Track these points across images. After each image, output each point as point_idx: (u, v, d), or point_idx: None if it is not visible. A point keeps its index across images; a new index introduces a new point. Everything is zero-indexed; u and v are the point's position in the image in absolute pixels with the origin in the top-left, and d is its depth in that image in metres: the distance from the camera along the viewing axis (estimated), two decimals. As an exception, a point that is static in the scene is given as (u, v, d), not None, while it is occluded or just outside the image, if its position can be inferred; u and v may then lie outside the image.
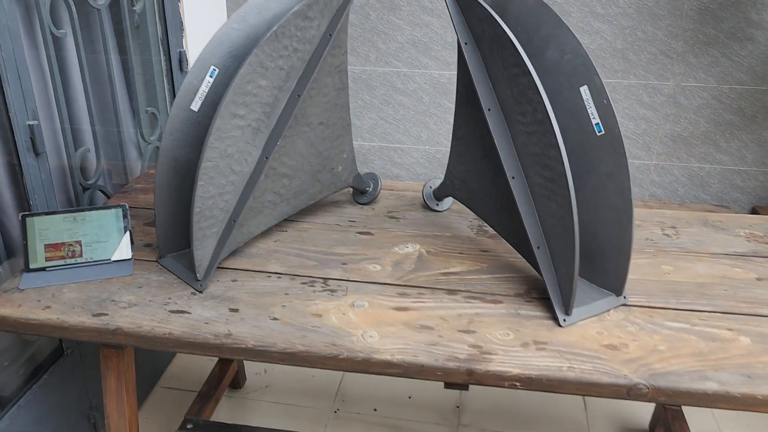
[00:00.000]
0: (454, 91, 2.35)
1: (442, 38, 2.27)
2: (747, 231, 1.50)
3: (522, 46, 1.24)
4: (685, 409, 1.89)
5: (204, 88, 1.25)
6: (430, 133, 2.42)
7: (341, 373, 2.13)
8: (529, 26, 1.24)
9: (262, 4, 1.29)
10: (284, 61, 1.23)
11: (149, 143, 1.93)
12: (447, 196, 1.53)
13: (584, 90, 1.17)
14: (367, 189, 1.59)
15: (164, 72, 2.00)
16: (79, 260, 1.29)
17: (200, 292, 1.23)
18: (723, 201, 2.35)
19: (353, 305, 1.20)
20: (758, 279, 1.31)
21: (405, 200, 1.63)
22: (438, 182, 1.57)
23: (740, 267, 1.35)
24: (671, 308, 1.21)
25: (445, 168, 2.48)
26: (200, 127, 1.27)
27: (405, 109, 2.39)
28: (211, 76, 1.25)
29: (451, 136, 2.42)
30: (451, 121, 2.39)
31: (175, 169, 1.26)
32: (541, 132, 1.12)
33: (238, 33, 1.27)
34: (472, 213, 1.56)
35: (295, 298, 1.22)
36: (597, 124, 1.16)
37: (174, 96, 2.03)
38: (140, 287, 1.24)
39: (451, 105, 2.37)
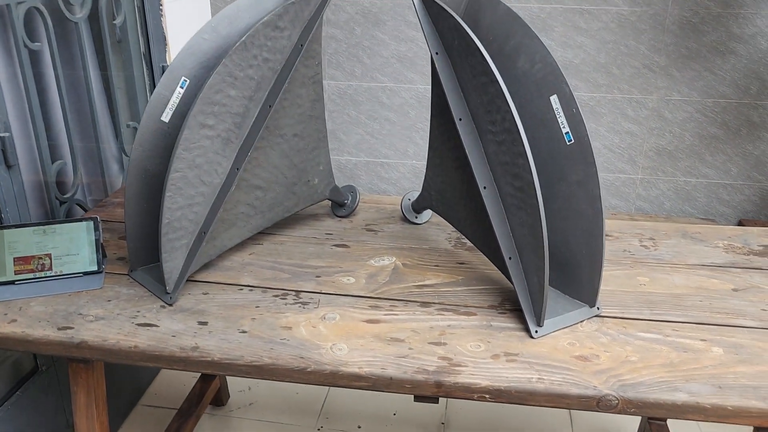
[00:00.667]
0: (439, 106, 2.35)
1: (427, 53, 2.28)
2: (726, 242, 1.49)
3: (493, 56, 1.24)
4: (672, 423, 1.87)
5: (174, 99, 1.25)
6: (416, 147, 2.41)
7: (326, 389, 2.10)
8: (500, 36, 1.24)
9: (234, 14, 1.29)
10: (254, 71, 1.23)
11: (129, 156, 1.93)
12: (425, 208, 1.52)
13: (554, 99, 1.17)
14: (346, 201, 1.58)
15: (147, 86, 2.00)
16: (48, 273, 1.28)
17: (170, 305, 1.21)
18: (709, 215, 2.34)
19: (324, 318, 1.19)
20: (734, 290, 1.29)
21: (384, 213, 1.63)
22: (416, 194, 1.56)
23: (717, 278, 1.34)
24: (645, 319, 1.19)
25: (432, 183, 2.48)
26: (170, 138, 1.26)
27: (391, 124, 2.39)
28: (181, 87, 1.25)
29: (436, 150, 2.42)
30: (436, 135, 2.39)
31: (145, 180, 1.26)
32: (509, 141, 1.11)
33: (209, 43, 1.27)
34: (450, 226, 1.55)
35: (265, 311, 1.20)
36: (567, 133, 1.16)
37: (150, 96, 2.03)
38: (109, 300, 1.23)
39: (436, 119, 2.37)
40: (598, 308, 1.21)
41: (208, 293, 1.26)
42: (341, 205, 1.59)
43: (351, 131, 2.42)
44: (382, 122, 2.40)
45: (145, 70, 1.97)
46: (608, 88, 2.21)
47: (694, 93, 2.19)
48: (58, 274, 1.28)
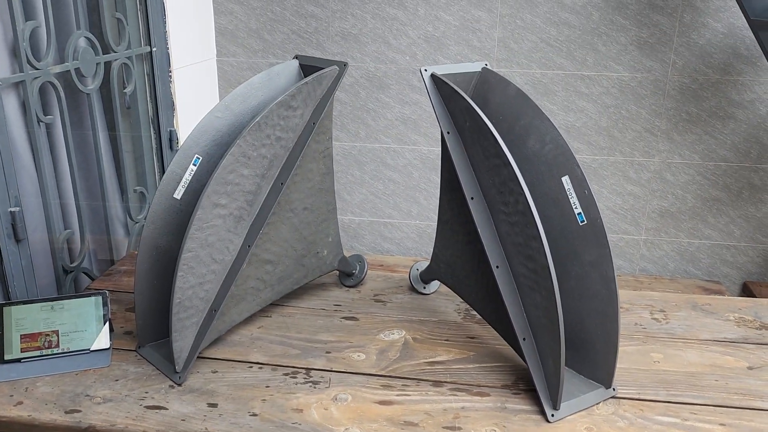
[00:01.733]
0: (443, 167, 2.37)
1: (430, 115, 2.31)
2: (736, 315, 1.48)
3: (503, 135, 1.25)
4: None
5: (187, 177, 1.25)
6: (420, 207, 2.42)
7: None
8: (510, 116, 1.25)
9: (247, 92, 1.31)
10: (267, 150, 1.24)
11: (137, 222, 1.93)
12: (433, 279, 1.51)
13: (566, 180, 1.18)
14: (354, 272, 1.58)
15: (154, 150, 2.01)
16: (55, 350, 1.26)
17: (179, 384, 1.19)
18: (713, 276, 2.34)
19: (336, 399, 1.17)
20: (749, 368, 1.28)
21: (392, 282, 1.62)
22: (425, 265, 1.56)
23: (731, 355, 1.32)
24: (662, 401, 1.18)
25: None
26: (182, 214, 1.26)
27: (395, 185, 2.41)
28: (194, 165, 1.26)
29: (440, 210, 2.43)
30: (440, 196, 2.40)
31: (156, 257, 1.25)
32: (523, 223, 1.11)
33: (221, 121, 1.28)
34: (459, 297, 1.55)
35: (276, 391, 1.19)
36: (579, 213, 1.16)
37: (163, 175, 2.04)
38: (117, 380, 1.21)
39: (440, 180, 2.38)
40: (614, 389, 1.19)
41: (217, 371, 1.24)
42: (349, 275, 1.58)
43: (355, 191, 2.43)
44: (386, 182, 2.41)
45: (152, 134, 1.99)
46: (610, 150, 2.23)
47: (695, 156, 2.21)
48: (65, 351, 1.26)
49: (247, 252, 1.25)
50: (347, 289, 1.58)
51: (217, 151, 1.28)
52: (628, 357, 1.31)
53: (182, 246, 1.14)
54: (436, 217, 2.43)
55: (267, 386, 1.20)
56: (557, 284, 1.07)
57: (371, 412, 1.14)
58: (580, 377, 1.21)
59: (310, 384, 1.21)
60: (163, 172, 2.01)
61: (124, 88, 1.84)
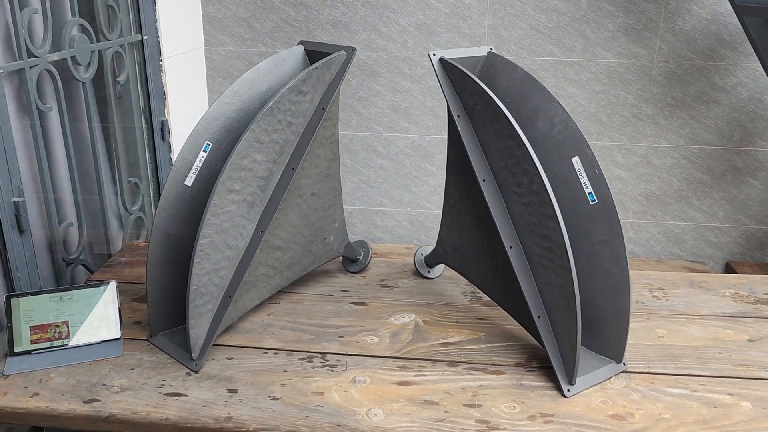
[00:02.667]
0: (435, 154, 2.38)
1: (421, 103, 2.32)
2: (732, 291, 1.53)
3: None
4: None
5: (198, 163, 1.24)
6: (411, 195, 2.44)
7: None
8: (518, 99, 1.27)
9: (254, 78, 1.30)
10: (278, 135, 1.24)
11: (131, 213, 1.90)
12: (439, 263, 1.53)
13: (576, 160, 1.20)
14: (358, 257, 1.58)
15: (146, 141, 1.98)
16: (66, 342, 1.24)
17: (196, 372, 1.19)
18: (698, 257, 2.41)
19: (354, 381, 1.18)
20: (749, 340, 1.33)
21: (396, 268, 1.63)
22: (429, 249, 1.57)
23: (731, 329, 1.37)
24: (670, 374, 1.21)
25: (428, 230, 2.50)
26: (194, 201, 1.26)
27: (386, 173, 2.42)
28: (204, 151, 1.25)
29: (433, 198, 2.45)
30: (433, 183, 2.42)
31: (168, 245, 1.24)
32: (537, 203, 1.13)
33: (231, 107, 1.27)
34: (464, 279, 1.57)
35: (294, 376, 1.19)
36: (590, 193, 1.19)
37: (156, 165, 2.02)
38: (132, 369, 1.20)
39: (432, 167, 2.40)
40: (624, 364, 1.22)
41: (232, 358, 1.24)
42: (353, 260, 1.59)
43: (346, 180, 2.43)
44: (377, 171, 2.42)
45: (144, 125, 1.96)
46: (598, 135, 2.27)
47: (680, 140, 2.27)
48: (76, 342, 1.25)
49: (260, 238, 1.25)
50: (352, 275, 1.59)
51: (226, 138, 1.27)
52: (633, 333, 1.34)
53: (199, 232, 1.14)
54: (428, 205, 2.45)
55: (284, 371, 1.20)
56: (573, 261, 1.09)
57: (391, 393, 1.15)
58: (592, 353, 1.24)
59: (327, 368, 1.22)
60: (156, 162, 1.99)
61: (117, 77, 1.82)
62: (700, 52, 2.16)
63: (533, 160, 1.11)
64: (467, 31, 2.22)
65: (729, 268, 2.37)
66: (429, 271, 1.58)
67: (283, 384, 1.17)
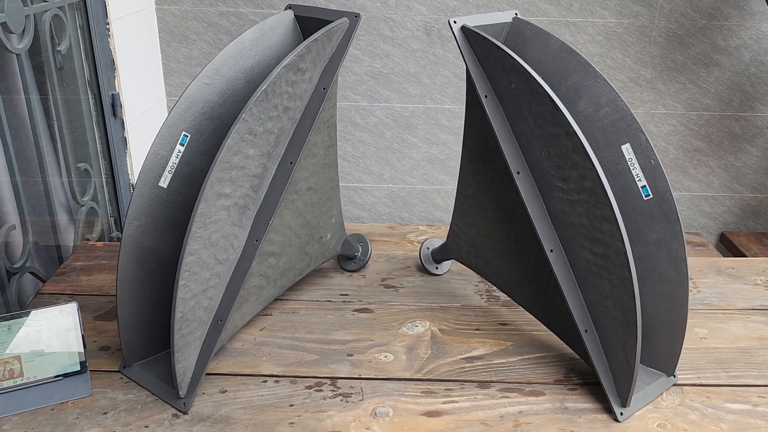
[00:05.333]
0: (418, 125, 2.18)
1: (403, 69, 2.10)
2: (763, 278, 1.41)
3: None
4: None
5: (174, 160, 1.02)
6: (393, 170, 2.24)
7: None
8: (554, 75, 1.09)
9: (238, 52, 1.07)
10: (274, 123, 1.02)
11: (82, 205, 1.65)
12: (450, 259, 1.35)
13: (626, 148, 1.03)
14: (356, 254, 1.39)
15: (94, 118, 1.72)
16: (19, 381, 1.02)
17: (185, 413, 0.99)
18: (692, 228, 2.31)
19: (375, 414, 1.00)
20: (798, 338, 1.21)
21: (397, 263, 1.45)
22: (436, 243, 1.40)
23: (774, 324, 1.25)
24: (725, 384, 1.09)
25: (410, 207, 2.32)
26: (171, 206, 1.03)
27: (365, 146, 2.21)
28: (181, 144, 1.02)
29: (415, 173, 2.26)
30: (416, 156, 2.23)
31: (142, 261, 1.02)
32: (590, 202, 0.96)
33: (211, 89, 1.04)
34: (476, 275, 1.40)
35: (303, 411, 1.00)
36: (644, 187, 1.02)
37: (107, 145, 1.75)
38: (105, 413, 0.99)
39: (415, 140, 2.20)
40: (674, 376, 1.09)
41: (226, 391, 1.04)
42: (350, 258, 1.40)
43: (320, 154, 2.21)
44: (355, 144, 2.21)
45: (91, 99, 1.69)
46: (593, 102, 2.11)
47: (678, 106, 2.13)
48: (32, 380, 1.03)
49: (255, 248, 1.04)
50: (349, 274, 1.40)
51: (207, 126, 1.04)
52: (675, 336, 1.21)
53: (184, 248, 0.92)
54: (411, 180, 2.26)
55: (291, 405, 1.02)
56: (635, 271, 0.93)
57: (421, 428, 0.98)
58: (641, 366, 1.09)
59: (341, 397, 1.04)
60: (108, 143, 1.73)
61: (57, 46, 1.54)
62: (702, 11, 2.01)
63: (587, 152, 0.93)
64: (453, -12, 2.01)
65: (724, 238, 2.29)
66: (436, 267, 1.40)
67: (292, 423, 0.98)
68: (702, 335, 1.22)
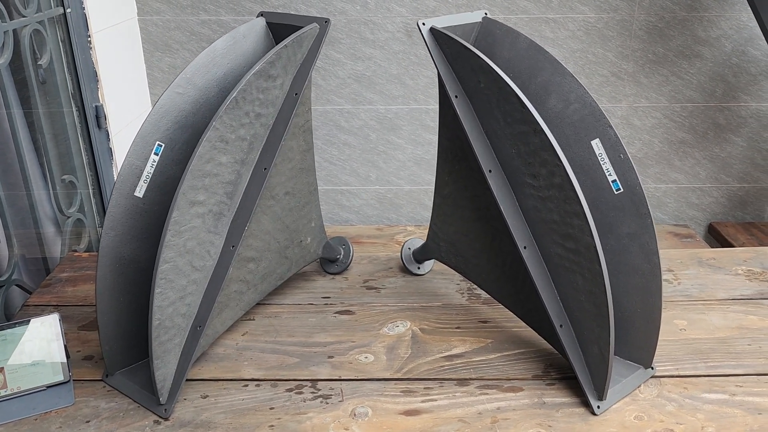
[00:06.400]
0: (403, 126, 2.20)
1: (386, 71, 2.11)
2: (744, 268, 1.42)
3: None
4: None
5: (149, 169, 1.03)
6: (379, 172, 2.25)
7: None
8: (524, 73, 1.10)
9: (210, 61, 1.08)
10: (246, 130, 1.03)
11: (68, 216, 1.66)
12: (431, 258, 1.36)
13: (596, 144, 1.04)
14: (338, 257, 1.40)
15: (79, 130, 1.73)
16: (2, 393, 1.03)
17: (166, 419, 1.00)
18: (680, 220, 2.32)
19: (354, 415, 1.01)
20: (776, 326, 1.22)
21: (380, 264, 1.46)
22: (418, 243, 1.41)
23: (753, 314, 1.26)
24: (702, 375, 1.10)
25: (398, 208, 2.33)
26: (148, 216, 1.05)
27: (350, 149, 2.22)
28: (156, 154, 1.04)
29: (402, 174, 2.27)
30: (401, 158, 2.24)
31: (120, 270, 1.03)
32: (560, 198, 0.97)
33: (184, 98, 1.06)
34: (457, 274, 1.40)
35: (283, 413, 1.02)
36: (614, 181, 1.03)
37: (92, 157, 1.77)
38: (88, 421, 1.00)
39: (400, 141, 2.21)
40: (652, 368, 1.10)
41: (207, 396, 1.05)
42: (333, 261, 1.41)
43: (307, 158, 2.22)
44: (340, 147, 2.22)
45: (75, 112, 1.70)
46: (576, 98, 2.12)
47: (662, 98, 2.14)
48: (16, 391, 1.04)
49: (231, 254, 1.05)
50: (332, 276, 1.41)
51: (181, 135, 1.05)
52: (654, 328, 1.22)
53: (158, 257, 0.93)
54: (398, 181, 2.27)
55: (271, 407, 1.03)
56: (606, 265, 0.94)
57: (399, 427, 0.99)
58: (618, 359, 1.10)
59: (321, 399, 1.05)
60: (92, 154, 1.74)
61: (38, 60, 1.55)
62: (682, 2, 2.02)
63: (554, 149, 0.95)
64: (433, -11, 2.02)
65: (712, 229, 2.29)
66: (418, 268, 1.41)
67: (272, 426, 0.99)
68: (681, 327, 1.23)
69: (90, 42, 1.71)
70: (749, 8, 1.91)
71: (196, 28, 2.06)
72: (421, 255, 1.38)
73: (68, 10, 1.61)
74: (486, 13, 1.15)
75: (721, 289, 1.34)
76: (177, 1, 2.03)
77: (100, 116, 1.76)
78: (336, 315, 1.27)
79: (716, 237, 2.26)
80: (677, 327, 1.23)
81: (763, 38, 1.93)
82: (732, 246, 2.10)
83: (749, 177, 2.25)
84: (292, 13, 1.98)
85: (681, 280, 1.38)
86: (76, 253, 1.50)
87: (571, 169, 0.94)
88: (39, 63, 1.55)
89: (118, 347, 1.07)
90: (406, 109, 2.16)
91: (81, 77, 1.68)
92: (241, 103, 0.99)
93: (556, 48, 2.07)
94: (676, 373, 1.10)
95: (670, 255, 1.49)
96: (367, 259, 1.48)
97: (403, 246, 1.43)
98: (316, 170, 2.25)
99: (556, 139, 1.06)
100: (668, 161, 2.23)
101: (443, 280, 1.40)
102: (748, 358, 1.13)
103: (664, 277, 1.39)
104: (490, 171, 1.06)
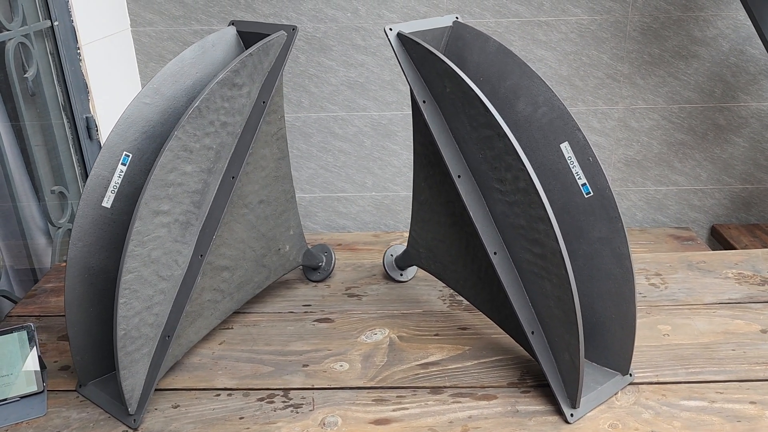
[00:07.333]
0: (397, 132, 2.19)
1: (378, 77, 2.11)
2: (734, 271, 1.39)
3: (487, 99, 1.08)
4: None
5: (116, 180, 1.03)
6: (375, 178, 2.24)
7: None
8: (493, 77, 1.08)
9: (178, 71, 1.09)
10: (212, 139, 1.03)
11: (59, 227, 1.68)
12: (411, 265, 1.35)
13: (565, 147, 1.02)
14: (320, 264, 1.40)
15: (70, 142, 1.75)
16: (-25, 403, 1.04)
17: (134, 429, 1.00)
18: (682, 222, 2.28)
19: (323, 424, 1.00)
20: (763, 331, 1.19)
21: (364, 271, 1.45)
22: (399, 249, 1.40)
23: (740, 318, 1.23)
24: (682, 381, 1.07)
25: (395, 214, 2.32)
26: (115, 225, 1.05)
27: (346, 155, 2.21)
28: (123, 164, 1.04)
29: (398, 180, 2.26)
30: (397, 163, 2.23)
31: (89, 281, 1.04)
32: (525, 203, 0.96)
33: (151, 108, 1.06)
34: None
35: (252, 423, 1.01)
36: (584, 184, 1.02)
37: (84, 168, 1.78)
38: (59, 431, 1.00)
39: (395, 146, 2.20)
40: (630, 374, 1.07)
41: (178, 406, 1.05)
42: (315, 268, 1.40)
43: (302, 166, 2.23)
44: (335, 154, 2.22)
45: (66, 123, 1.72)
46: (572, 100, 2.10)
47: (659, 100, 2.11)
48: (-11, 402, 1.04)
49: (200, 263, 1.05)
50: (314, 284, 1.40)
51: (149, 146, 1.06)
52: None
53: (121, 267, 0.93)
54: (394, 187, 2.26)
55: (241, 417, 1.02)
56: (572, 270, 0.93)
57: (368, 436, 0.98)
58: (594, 366, 1.08)
59: (291, 408, 1.04)
60: (84, 167, 1.76)
61: (25, 72, 1.57)
62: (676, 2, 1.99)
63: (517, 153, 0.93)
64: (424, -6, 2.01)
65: (715, 232, 2.25)
66: (401, 274, 1.40)
67: (240, 436, 0.99)
68: (665, 332, 1.20)
69: (79, 54, 1.73)
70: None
71: (188, 38, 2.07)
72: (402, 261, 1.37)
73: (56, 23, 1.63)
74: (457, 17, 1.14)
75: (709, 293, 1.31)
76: (169, 12, 2.05)
77: (91, 127, 1.78)
78: (315, 323, 1.26)
79: (719, 239, 2.22)
80: (660, 332, 1.20)
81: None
82: (733, 248, 2.06)
83: (752, 178, 2.21)
84: (284, 22, 1.99)
85: (668, 284, 1.35)
86: (63, 264, 1.51)
87: (534, 173, 0.93)
88: (25, 76, 1.56)
89: (90, 357, 1.07)
90: (400, 114, 2.15)
91: (71, 89, 1.70)
92: (204, 112, 0.99)
93: (549, 50, 2.05)
94: (655, 379, 1.08)
95: (659, 258, 1.46)
96: (351, 266, 1.48)
97: (385, 253, 1.42)
98: (313, 178, 2.25)
99: (524, 143, 1.05)
100: (668, 163, 2.20)
101: (426, 286, 1.38)
102: (731, 363, 1.11)
103: (650, 282, 1.36)
104: (459, 176, 1.05)
